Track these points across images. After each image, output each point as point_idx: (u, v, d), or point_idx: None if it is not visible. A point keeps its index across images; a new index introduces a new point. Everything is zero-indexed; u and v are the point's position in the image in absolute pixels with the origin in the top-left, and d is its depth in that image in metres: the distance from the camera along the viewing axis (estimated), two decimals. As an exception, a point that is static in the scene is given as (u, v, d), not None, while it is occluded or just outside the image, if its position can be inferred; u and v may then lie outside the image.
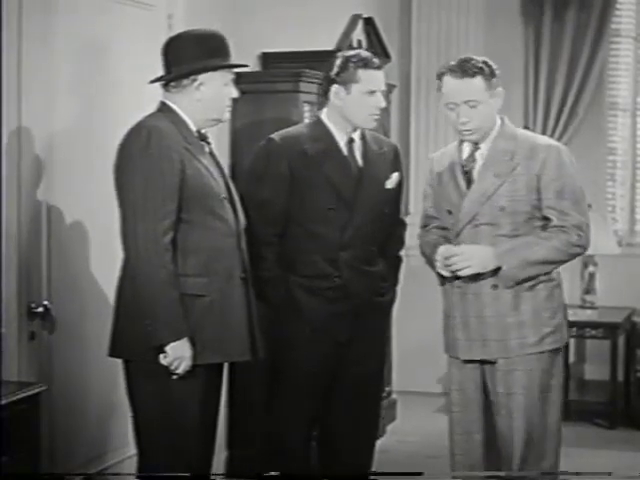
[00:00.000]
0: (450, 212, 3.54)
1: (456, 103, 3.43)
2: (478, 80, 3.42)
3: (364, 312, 3.85)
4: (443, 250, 3.49)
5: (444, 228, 3.62)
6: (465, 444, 3.56)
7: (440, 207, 3.60)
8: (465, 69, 3.42)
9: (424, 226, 3.72)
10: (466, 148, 3.54)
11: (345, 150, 3.84)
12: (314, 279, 3.81)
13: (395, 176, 3.91)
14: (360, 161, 3.85)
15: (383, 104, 3.81)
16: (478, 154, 3.52)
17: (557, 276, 3.56)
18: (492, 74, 3.45)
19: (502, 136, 3.51)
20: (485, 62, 3.45)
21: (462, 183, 3.51)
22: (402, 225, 4.09)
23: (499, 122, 3.53)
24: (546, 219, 3.48)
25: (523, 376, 3.47)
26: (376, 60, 3.83)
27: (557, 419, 3.54)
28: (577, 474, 4.03)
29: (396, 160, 3.96)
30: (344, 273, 3.81)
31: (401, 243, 4.08)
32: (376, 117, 3.83)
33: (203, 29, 3.44)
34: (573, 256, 3.52)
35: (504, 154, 3.47)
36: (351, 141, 3.85)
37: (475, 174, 3.50)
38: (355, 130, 3.84)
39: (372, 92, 3.77)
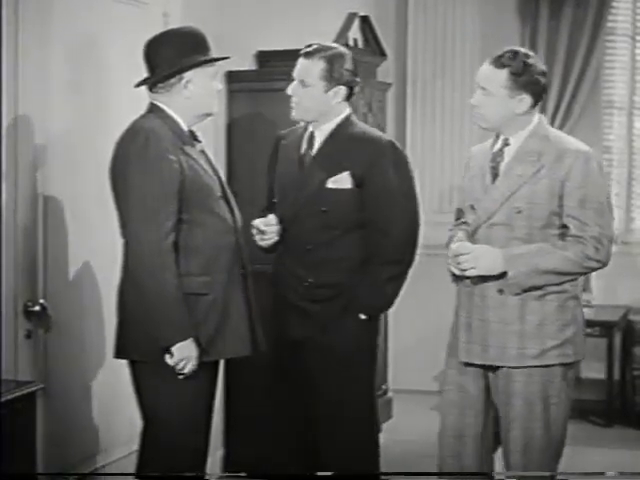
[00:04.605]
0: (472, 207, 3.41)
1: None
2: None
3: (306, 313, 3.71)
4: (454, 247, 3.36)
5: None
6: (456, 447, 3.46)
7: (465, 202, 3.48)
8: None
9: (457, 219, 3.58)
10: (498, 143, 3.42)
11: (305, 145, 3.76)
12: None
13: (342, 176, 3.66)
14: (311, 157, 3.73)
15: (289, 92, 3.68)
16: (507, 150, 3.38)
17: (572, 288, 3.37)
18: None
19: (534, 135, 3.36)
20: None
21: (488, 179, 3.39)
22: (380, 233, 3.68)
23: (535, 121, 3.39)
24: (565, 227, 3.31)
25: (522, 388, 3.33)
26: (305, 48, 3.72)
27: (562, 432, 3.39)
28: (573, 473, 4.04)
29: (369, 160, 3.66)
30: (273, 268, 3.78)
31: (383, 254, 3.68)
32: (292, 106, 3.70)
33: (180, 27, 3.47)
34: (589, 269, 3.33)
35: (531, 154, 3.33)
36: (311, 135, 3.75)
37: (501, 171, 3.37)
38: (319, 123, 3.71)
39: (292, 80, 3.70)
